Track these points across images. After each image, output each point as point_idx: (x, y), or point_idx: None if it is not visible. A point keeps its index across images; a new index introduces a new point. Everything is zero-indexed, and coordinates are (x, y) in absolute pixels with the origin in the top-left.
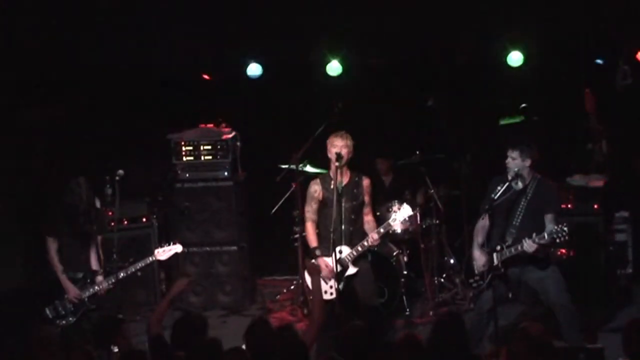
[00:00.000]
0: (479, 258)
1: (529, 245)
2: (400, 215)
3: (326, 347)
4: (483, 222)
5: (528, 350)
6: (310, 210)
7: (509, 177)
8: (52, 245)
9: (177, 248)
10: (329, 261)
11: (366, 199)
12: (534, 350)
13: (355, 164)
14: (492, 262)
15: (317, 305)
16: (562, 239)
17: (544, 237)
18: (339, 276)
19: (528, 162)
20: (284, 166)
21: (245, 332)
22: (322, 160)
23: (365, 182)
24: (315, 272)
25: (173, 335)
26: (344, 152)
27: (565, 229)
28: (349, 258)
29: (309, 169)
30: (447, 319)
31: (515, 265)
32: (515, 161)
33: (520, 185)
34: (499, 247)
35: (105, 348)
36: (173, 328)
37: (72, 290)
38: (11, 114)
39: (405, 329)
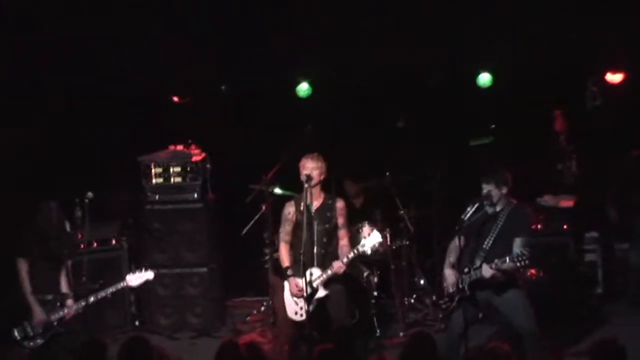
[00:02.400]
0: (449, 278)
1: (485, 271)
2: (369, 242)
3: None
4: (456, 243)
5: None
6: (284, 232)
7: (486, 204)
8: (23, 267)
9: (149, 275)
10: (300, 282)
11: (340, 221)
12: None
13: (327, 185)
14: (460, 284)
15: (282, 324)
16: (522, 263)
17: (505, 261)
18: (308, 298)
19: (505, 190)
20: (254, 186)
21: (215, 355)
22: (294, 182)
23: (340, 204)
24: (279, 291)
25: None
26: (315, 173)
27: (527, 253)
28: (319, 281)
29: (278, 191)
30: (418, 340)
31: (482, 288)
32: (493, 192)
33: (494, 209)
34: (466, 270)
35: None
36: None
37: (38, 314)
38: None
39: (376, 350)
